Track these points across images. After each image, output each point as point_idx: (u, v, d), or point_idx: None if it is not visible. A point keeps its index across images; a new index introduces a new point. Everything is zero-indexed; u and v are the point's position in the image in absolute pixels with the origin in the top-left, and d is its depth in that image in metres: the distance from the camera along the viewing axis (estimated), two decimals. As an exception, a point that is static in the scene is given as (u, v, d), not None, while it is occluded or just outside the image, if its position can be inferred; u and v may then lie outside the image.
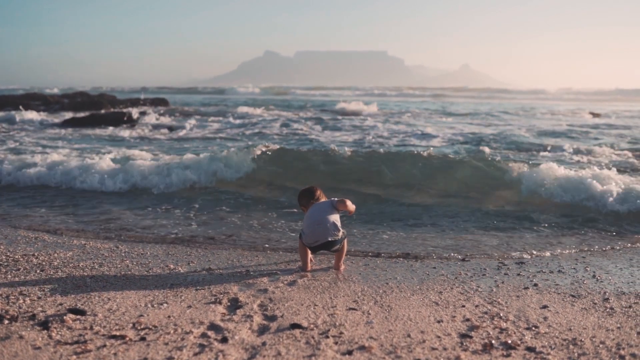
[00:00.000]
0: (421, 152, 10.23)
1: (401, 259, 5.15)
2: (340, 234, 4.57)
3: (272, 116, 23.85)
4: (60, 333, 3.05)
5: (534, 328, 3.26)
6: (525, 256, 5.33)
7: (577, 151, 12.54)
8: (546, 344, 3.03)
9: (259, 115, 24.44)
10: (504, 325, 3.30)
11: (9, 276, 4.26)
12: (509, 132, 17.18)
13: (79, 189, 9.01)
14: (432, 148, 10.22)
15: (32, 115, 21.30)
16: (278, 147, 10.68)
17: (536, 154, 12.11)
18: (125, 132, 17.24)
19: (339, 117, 23.50)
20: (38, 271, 4.44)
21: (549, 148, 12.91)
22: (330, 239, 4.50)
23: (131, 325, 3.19)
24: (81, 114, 22.15)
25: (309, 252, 4.69)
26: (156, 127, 19.23)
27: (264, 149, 10.31)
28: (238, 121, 21.34)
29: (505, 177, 9.11)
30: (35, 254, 5.00)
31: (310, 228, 4.55)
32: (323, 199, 4.84)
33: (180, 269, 4.63)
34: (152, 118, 21.06)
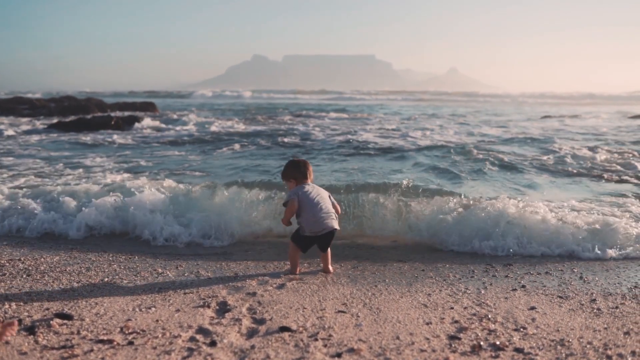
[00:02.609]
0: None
1: (390, 262, 5.16)
2: None
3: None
4: (46, 338, 3.02)
5: (522, 329, 3.27)
6: (513, 258, 5.36)
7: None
8: (534, 344, 3.04)
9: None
10: (492, 326, 3.32)
11: (-5, 281, 4.22)
12: (494, 137, 17.26)
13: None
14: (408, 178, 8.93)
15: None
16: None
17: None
18: (110, 138, 17.07)
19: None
20: (24, 276, 4.39)
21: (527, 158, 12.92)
22: (337, 227, 4.54)
23: (119, 329, 3.17)
24: (68, 118, 22.00)
25: (299, 254, 4.67)
26: (142, 133, 19.05)
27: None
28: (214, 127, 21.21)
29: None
30: (22, 259, 4.95)
31: (319, 215, 4.44)
32: (311, 179, 4.69)
33: (168, 273, 4.60)
34: (140, 123, 20.91)
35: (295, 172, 4.57)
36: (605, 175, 9.60)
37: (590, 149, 13.06)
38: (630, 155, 12.01)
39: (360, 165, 10.51)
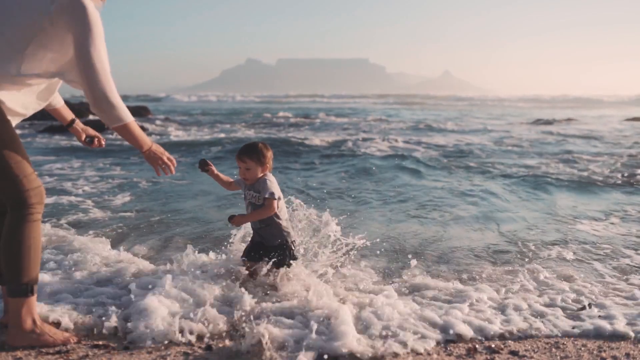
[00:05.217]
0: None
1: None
2: None
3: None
4: (41, 343, 3.00)
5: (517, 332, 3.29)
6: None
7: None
8: (529, 347, 3.06)
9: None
10: (487, 329, 3.32)
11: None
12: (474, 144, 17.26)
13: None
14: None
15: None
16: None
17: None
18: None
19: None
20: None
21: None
22: None
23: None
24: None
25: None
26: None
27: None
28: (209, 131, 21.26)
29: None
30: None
31: None
32: None
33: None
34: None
35: (269, 157, 3.87)
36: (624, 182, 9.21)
37: (593, 154, 12.99)
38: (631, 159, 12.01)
39: (335, 181, 10.23)
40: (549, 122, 26.63)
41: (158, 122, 25.72)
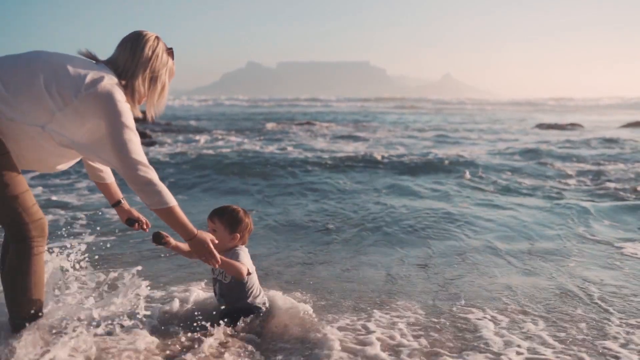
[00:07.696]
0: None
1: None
2: None
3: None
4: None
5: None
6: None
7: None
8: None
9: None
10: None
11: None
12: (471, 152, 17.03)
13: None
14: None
15: None
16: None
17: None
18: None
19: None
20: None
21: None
22: None
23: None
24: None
25: None
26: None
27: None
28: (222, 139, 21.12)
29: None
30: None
31: None
32: None
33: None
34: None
35: (248, 229, 3.43)
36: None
37: (607, 163, 12.04)
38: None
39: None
40: (551, 126, 26.40)
41: (159, 128, 25.66)
